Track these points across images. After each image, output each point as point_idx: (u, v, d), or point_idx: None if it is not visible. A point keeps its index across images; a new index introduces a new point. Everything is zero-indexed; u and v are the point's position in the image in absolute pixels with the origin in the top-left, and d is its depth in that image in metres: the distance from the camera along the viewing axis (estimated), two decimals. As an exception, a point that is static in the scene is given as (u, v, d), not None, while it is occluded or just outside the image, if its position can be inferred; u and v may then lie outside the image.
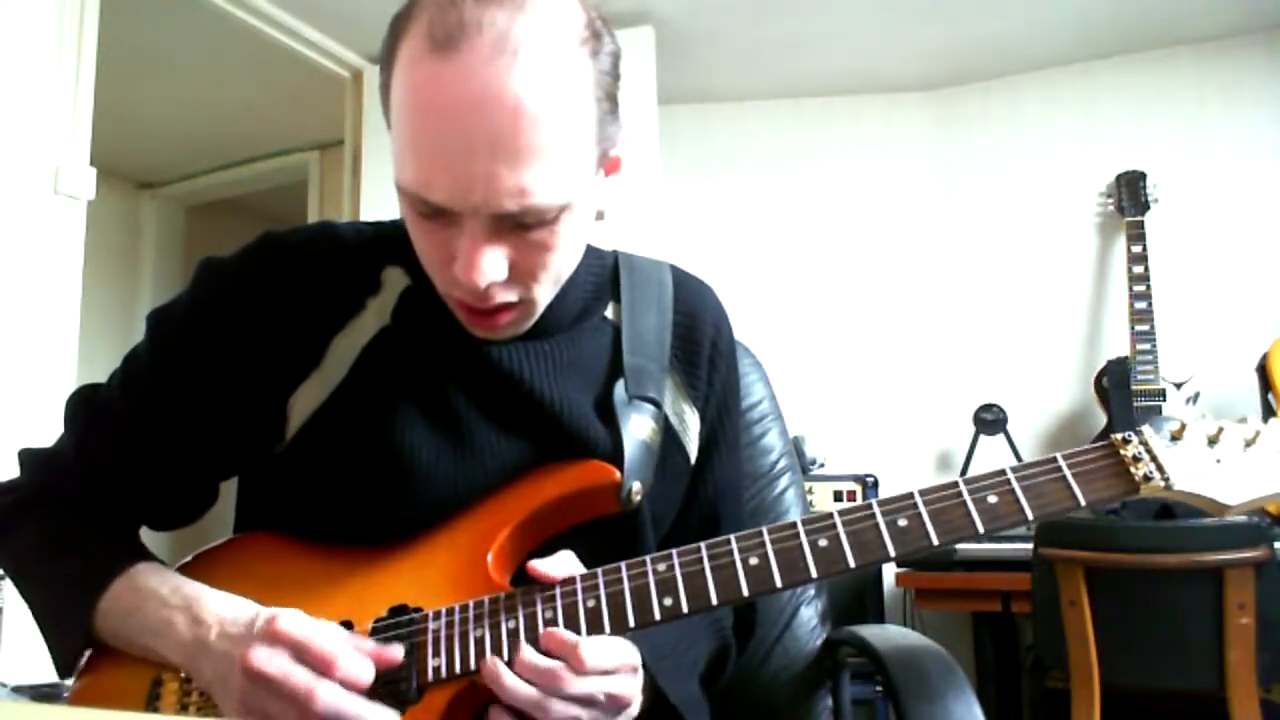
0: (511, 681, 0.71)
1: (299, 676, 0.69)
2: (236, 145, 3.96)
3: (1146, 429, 0.75)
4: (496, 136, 0.69)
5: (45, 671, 0.84)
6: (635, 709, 0.75)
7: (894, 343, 3.34)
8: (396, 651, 0.73)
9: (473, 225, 0.72)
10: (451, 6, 0.69)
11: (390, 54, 0.74)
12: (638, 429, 0.85)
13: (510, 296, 0.77)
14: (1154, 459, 0.74)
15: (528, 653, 0.72)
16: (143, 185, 4.31)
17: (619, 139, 0.79)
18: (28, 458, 0.91)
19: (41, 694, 1.51)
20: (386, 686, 0.73)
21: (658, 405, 0.87)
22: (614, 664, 0.72)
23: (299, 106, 3.53)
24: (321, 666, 0.70)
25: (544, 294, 0.80)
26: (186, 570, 0.84)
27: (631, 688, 0.74)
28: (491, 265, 0.73)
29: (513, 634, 0.74)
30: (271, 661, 0.70)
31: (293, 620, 0.72)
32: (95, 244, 2.40)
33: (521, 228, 0.73)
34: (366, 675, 0.71)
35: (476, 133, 0.68)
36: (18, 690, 1.55)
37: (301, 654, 0.70)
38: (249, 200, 4.40)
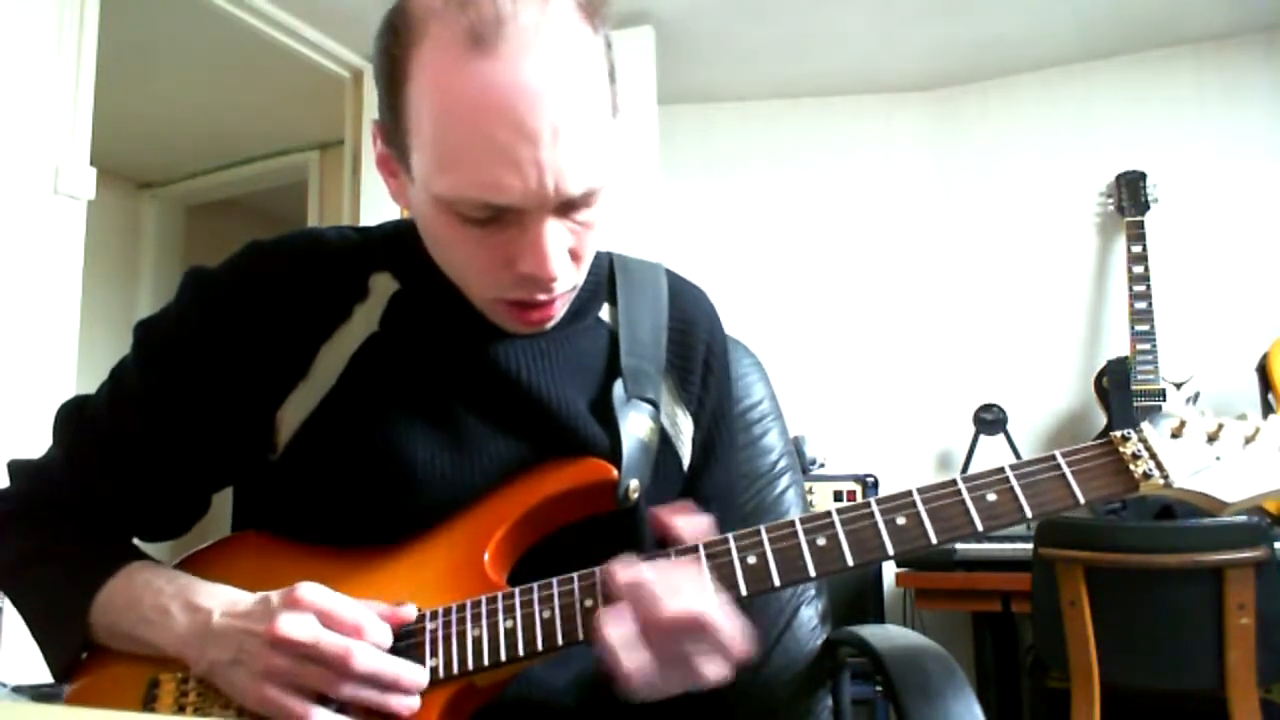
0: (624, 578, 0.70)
1: (332, 638, 0.70)
2: (236, 145, 3.96)
3: (1146, 426, 0.75)
4: (557, 124, 0.69)
5: (46, 671, 0.84)
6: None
7: (894, 343, 3.34)
8: (409, 611, 0.74)
9: (538, 218, 0.72)
10: (474, 4, 0.68)
11: (400, 66, 0.72)
12: (636, 428, 0.85)
13: (568, 284, 0.77)
14: (1153, 456, 0.73)
15: (638, 567, 0.71)
16: (143, 185, 4.31)
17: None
18: (17, 469, 0.90)
19: (41, 694, 1.51)
20: None
21: (656, 406, 0.87)
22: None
23: (299, 106, 3.53)
24: (350, 632, 0.71)
25: (584, 275, 0.80)
26: (179, 569, 0.84)
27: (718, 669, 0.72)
28: (561, 254, 0.73)
29: (510, 633, 0.74)
30: (301, 627, 0.70)
31: (313, 590, 0.72)
32: (95, 244, 2.40)
33: (573, 210, 0.74)
34: (388, 639, 0.72)
35: (540, 124, 0.68)
36: (18, 690, 1.55)
37: (328, 621, 0.71)
38: (249, 200, 4.40)
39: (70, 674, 0.82)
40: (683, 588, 0.70)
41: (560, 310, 0.80)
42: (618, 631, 0.69)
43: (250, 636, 0.72)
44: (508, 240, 0.73)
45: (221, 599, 0.76)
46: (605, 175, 0.73)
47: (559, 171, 0.70)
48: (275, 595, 0.73)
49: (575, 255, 0.76)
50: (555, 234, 0.73)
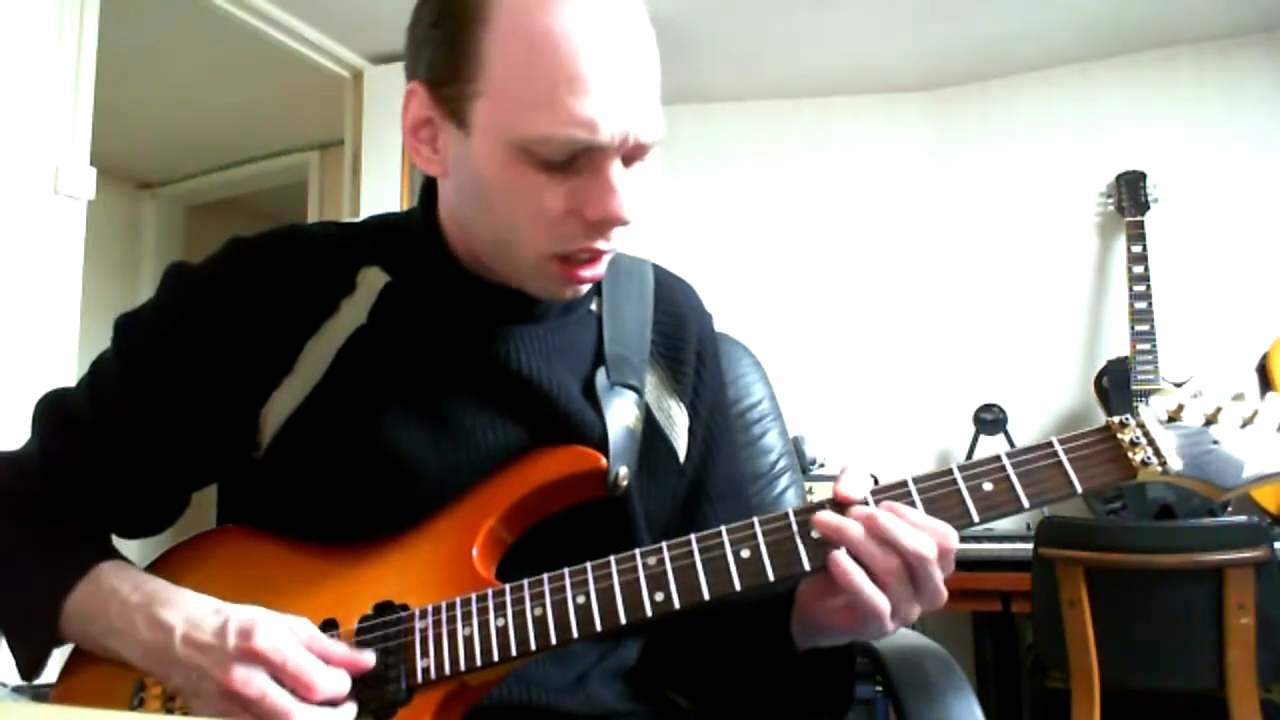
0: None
1: (278, 697, 0.69)
2: (236, 145, 3.96)
3: (1143, 410, 0.74)
4: (643, 65, 0.71)
5: (47, 672, 0.84)
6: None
7: (894, 342, 3.34)
8: (368, 657, 0.73)
9: (613, 161, 0.72)
10: None
11: (475, 8, 0.71)
12: (621, 415, 0.84)
13: (624, 235, 0.78)
14: (1151, 443, 0.72)
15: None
16: (143, 185, 4.31)
17: None
18: None
19: (41, 694, 1.51)
20: (376, 688, 0.72)
21: (639, 393, 0.87)
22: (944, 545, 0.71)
23: (299, 106, 3.53)
24: (300, 690, 0.69)
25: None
26: (158, 568, 0.83)
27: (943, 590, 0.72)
28: (630, 198, 0.74)
29: (501, 631, 0.73)
30: (249, 684, 0.69)
31: (268, 636, 0.70)
32: (95, 244, 2.40)
33: (634, 160, 0.74)
34: (343, 689, 0.71)
35: (631, 61, 0.71)
36: (18, 690, 1.55)
37: (279, 674, 0.70)
38: (249, 200, 4.40)
39: (36, 674, 0.81)
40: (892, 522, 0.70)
41: (602, 270, 0.79)
42: (863, 571, 0.70)
43: (205, 676, 0.70)
44: (578, 186, 0.73)
45: (184, 614, 0.73)
46: (663, 129, 0.74)
47: (642, 113, 0.72)
48: (233, 629, 0.71)
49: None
50: (624, 179, 0.73)
